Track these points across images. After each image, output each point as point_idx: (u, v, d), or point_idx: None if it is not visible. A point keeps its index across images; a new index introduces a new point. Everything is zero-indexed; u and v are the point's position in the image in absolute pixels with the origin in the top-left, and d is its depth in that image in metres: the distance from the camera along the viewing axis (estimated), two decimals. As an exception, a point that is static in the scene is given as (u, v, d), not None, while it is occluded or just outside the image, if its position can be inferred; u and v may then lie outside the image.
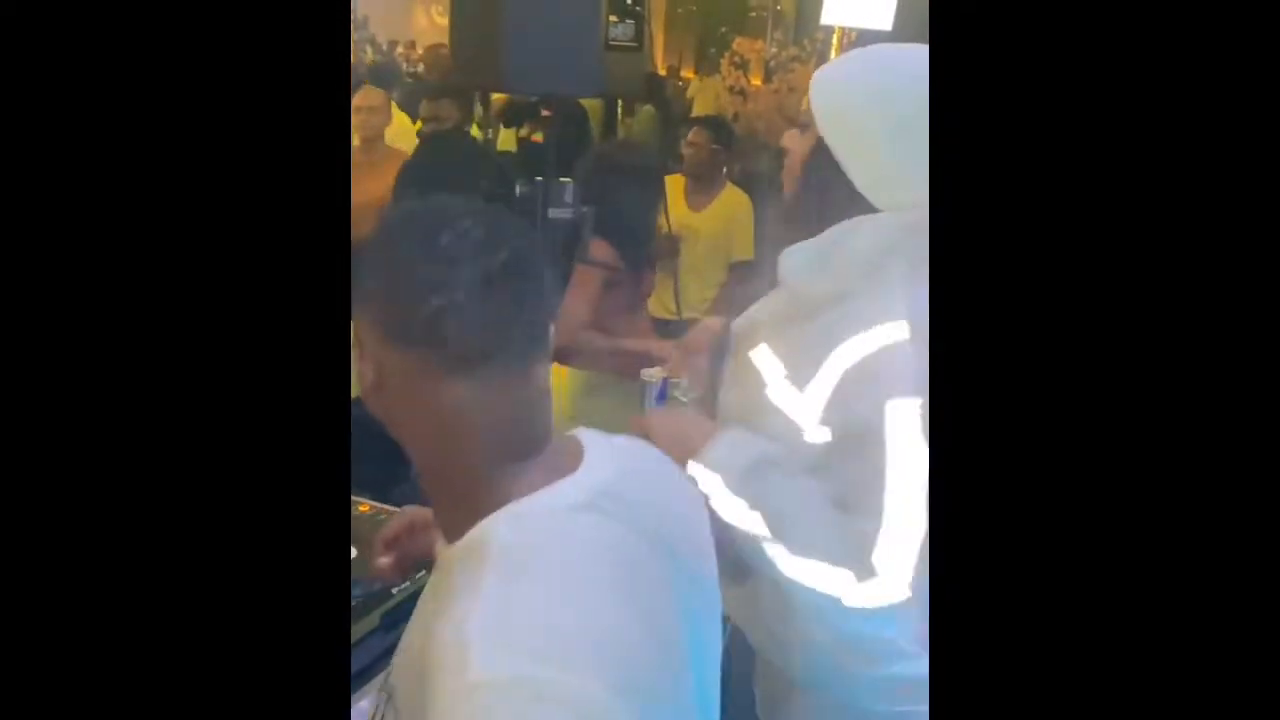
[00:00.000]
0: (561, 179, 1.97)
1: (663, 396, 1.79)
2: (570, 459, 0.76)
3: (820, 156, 1.12)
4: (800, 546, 1.01)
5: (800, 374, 1.05)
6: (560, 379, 2.08)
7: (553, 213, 2.11)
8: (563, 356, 2.20)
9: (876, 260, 1.05)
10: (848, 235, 1.10)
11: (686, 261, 2.89)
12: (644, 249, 2.12)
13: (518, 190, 2.48)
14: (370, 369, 0.72)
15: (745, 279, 3.12)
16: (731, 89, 7.07)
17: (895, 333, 1.00)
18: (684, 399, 2.11)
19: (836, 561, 0.99)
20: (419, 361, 0.69)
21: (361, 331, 0.72)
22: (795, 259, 1.14)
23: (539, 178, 1.97)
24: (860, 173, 1.09)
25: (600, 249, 2.05)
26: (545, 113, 1.95)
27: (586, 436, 0.79)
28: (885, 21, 7.57)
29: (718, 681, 0.82)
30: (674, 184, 2.66)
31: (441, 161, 2.85)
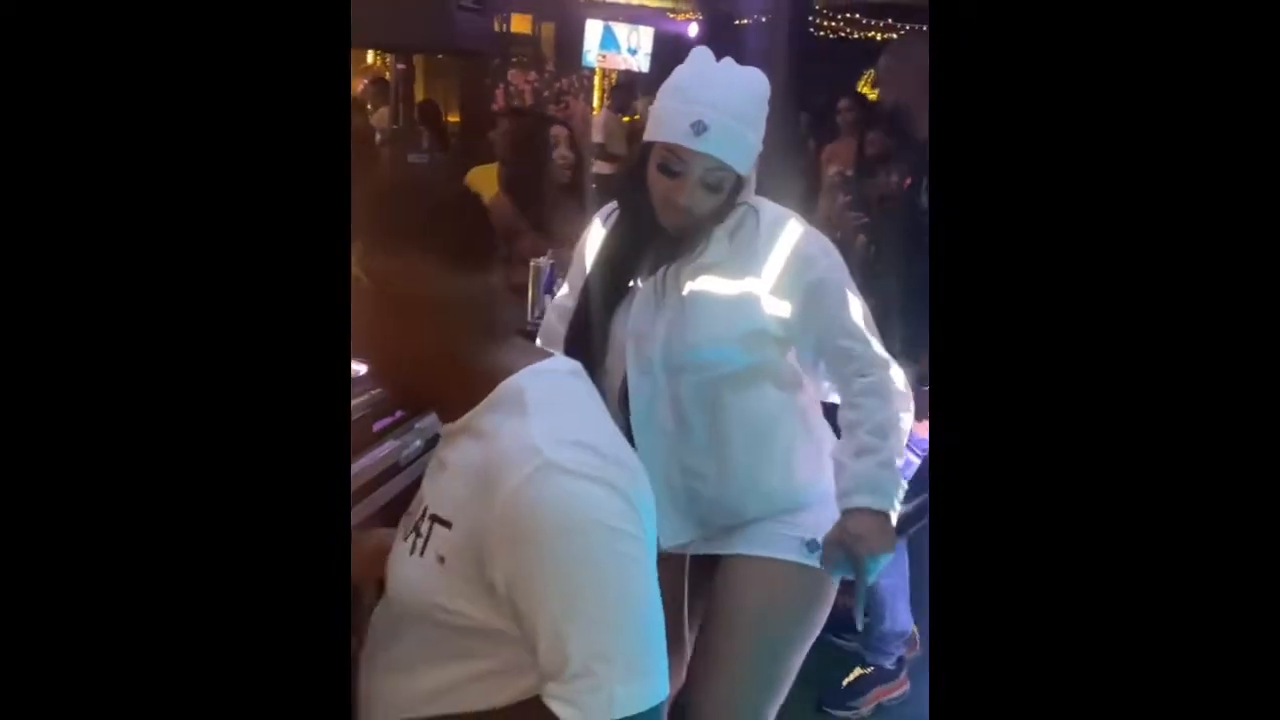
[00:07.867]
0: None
1: (551, 282, 2.11)
2: (536, 350, 0.98)
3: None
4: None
5: (751, 268, 1.36)
6: None
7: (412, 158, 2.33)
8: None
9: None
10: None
11: None
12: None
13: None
14: (372, 278, 0.87)
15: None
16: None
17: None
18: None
19: None
20: (417, 263, 0.88)
21: (361, 252, 0.87)
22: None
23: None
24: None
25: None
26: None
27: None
28: (643, 65, 8.22)
29: None
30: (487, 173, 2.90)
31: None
